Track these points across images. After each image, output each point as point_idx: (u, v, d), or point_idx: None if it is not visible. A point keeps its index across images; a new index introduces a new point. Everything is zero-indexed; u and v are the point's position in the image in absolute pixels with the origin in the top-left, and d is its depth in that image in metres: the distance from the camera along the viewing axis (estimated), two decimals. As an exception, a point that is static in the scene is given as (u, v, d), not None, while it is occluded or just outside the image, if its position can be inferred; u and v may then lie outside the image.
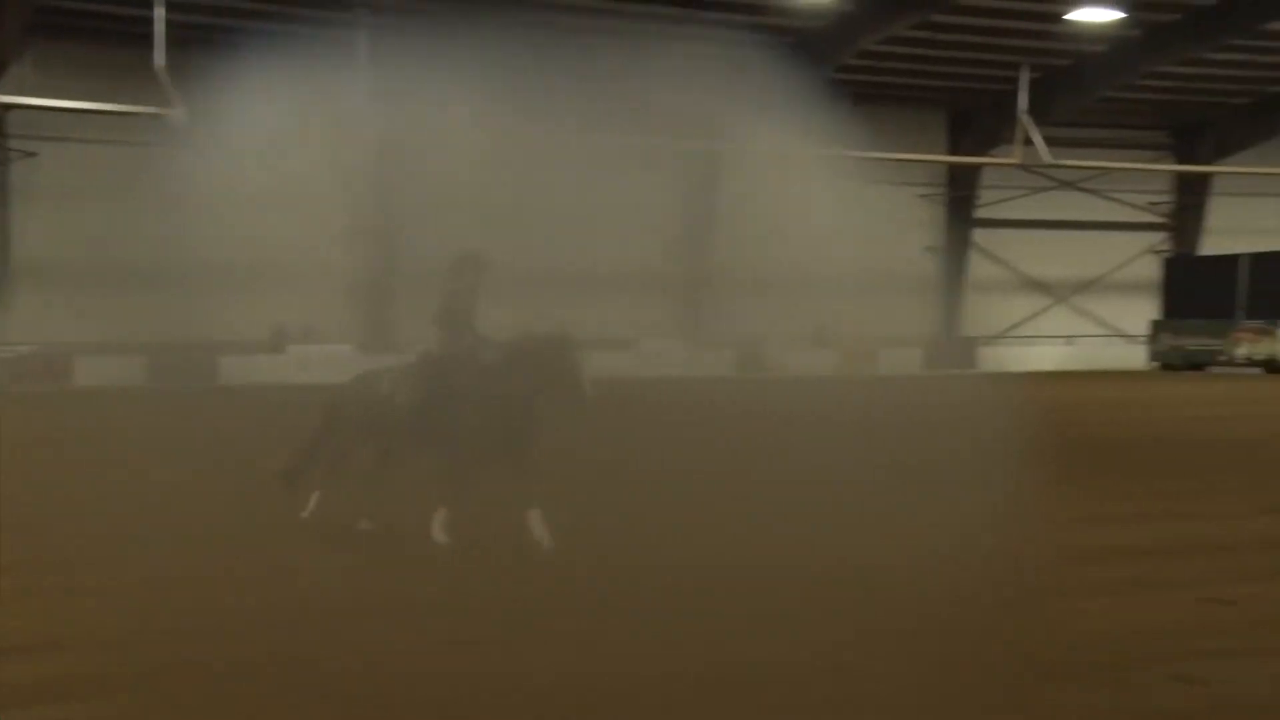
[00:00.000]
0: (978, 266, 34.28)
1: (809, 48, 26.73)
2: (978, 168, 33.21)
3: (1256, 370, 30.89)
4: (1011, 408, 13.23)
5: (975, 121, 32.92)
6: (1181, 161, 34.83)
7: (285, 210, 24.02)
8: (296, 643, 5.47)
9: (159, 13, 23.60)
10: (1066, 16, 26.89)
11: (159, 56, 23.72)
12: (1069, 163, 31.50)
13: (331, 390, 8.25)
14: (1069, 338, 34.26)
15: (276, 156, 24.26)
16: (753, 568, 6.60)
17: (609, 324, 28.83)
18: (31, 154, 26.08)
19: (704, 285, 30.26)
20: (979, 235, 34.27)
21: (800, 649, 5.32)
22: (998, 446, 8.61)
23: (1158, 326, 33.71)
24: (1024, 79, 29.44)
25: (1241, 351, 31.88)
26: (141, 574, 6.60)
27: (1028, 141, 30.21)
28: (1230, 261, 32.66)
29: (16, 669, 5.13)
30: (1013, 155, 30.91)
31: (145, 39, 23.85)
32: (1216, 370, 31.41)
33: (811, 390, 19.78)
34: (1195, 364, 32.04)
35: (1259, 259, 32.03)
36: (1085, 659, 5.25)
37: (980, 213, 34.10)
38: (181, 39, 23.79)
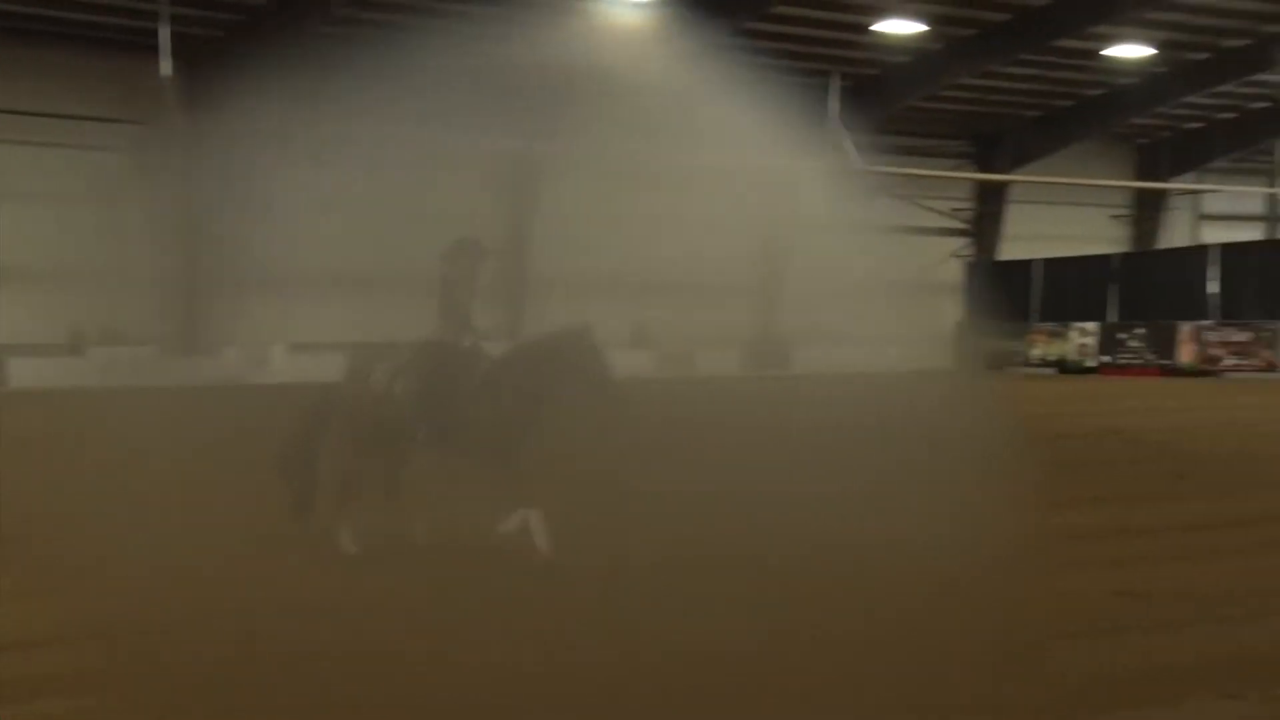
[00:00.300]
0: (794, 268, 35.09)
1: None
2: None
3: (1050, 370, 32.57)
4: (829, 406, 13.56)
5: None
6: (981, 170, 36.44)
7: (91, 211, 23.04)
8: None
9: None
10: (873, 28, 27.82)
11: None
12: (879, 169, 32.59)
13: (313, 398, 7.63)
14: (879, 339, 35.34)
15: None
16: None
17: (424, 327, 28.54)
18: None
19: (522, 287, 30.23)
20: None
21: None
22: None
23: (960, 328, 35.17)
24: (834, 87, 30.32)
25: (1036, 353, 33.61)
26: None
27: (840, 148, 31.12)
28: (1024, 267, 34.42)
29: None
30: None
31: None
32: (1013, 370, 32.97)
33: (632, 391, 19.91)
34: (995, 365, 33.56)
35: (1050, 264, 33.89)
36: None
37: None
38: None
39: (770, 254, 32.39)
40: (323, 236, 22.05)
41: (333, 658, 5.23)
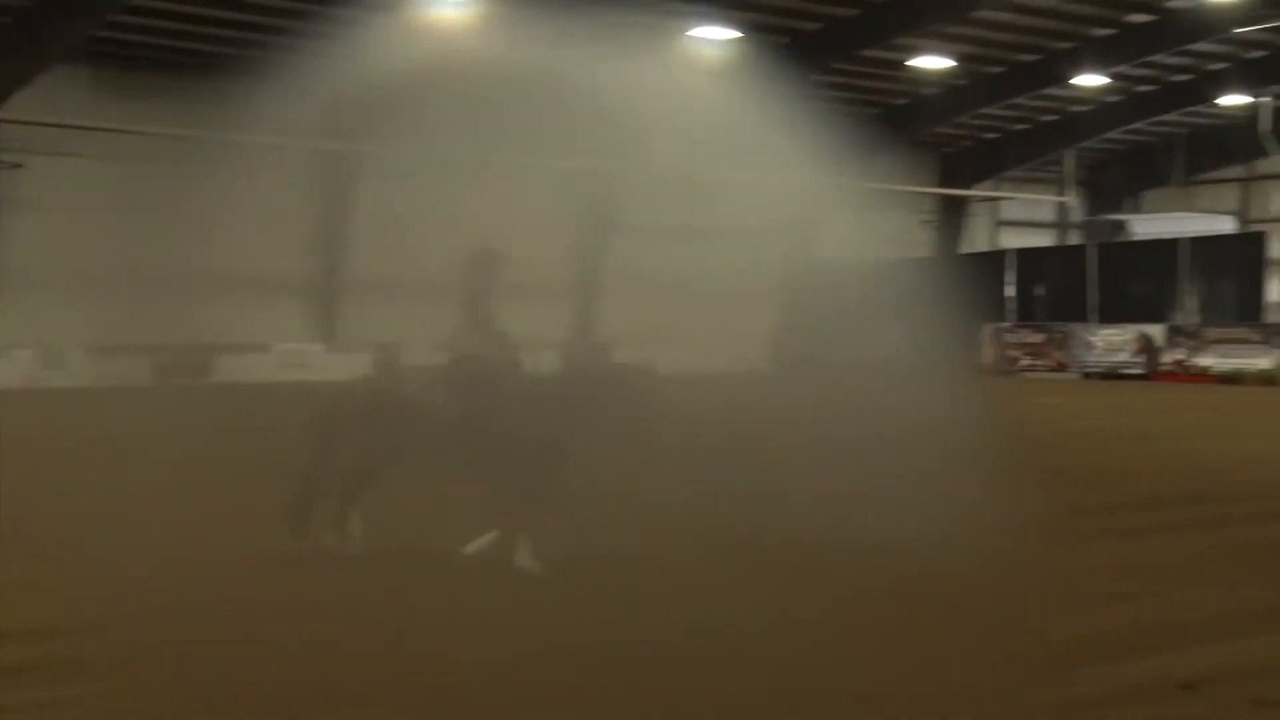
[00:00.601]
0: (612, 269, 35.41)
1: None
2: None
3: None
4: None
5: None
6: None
7: None
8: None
9: None
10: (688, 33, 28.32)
11: None
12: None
13: (329, 406, 7.34)
14: (697, 341, 35.98)
15: None
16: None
17: (243, 326, 27.86)
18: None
19: (342, 288, 29.79)
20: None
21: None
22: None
23: (776, 331, 36.11)
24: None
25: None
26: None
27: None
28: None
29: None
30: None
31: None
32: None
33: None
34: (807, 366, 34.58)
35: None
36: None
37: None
38: None
39: (585, 255, 32.63)
40: (129, 238, 21.39)
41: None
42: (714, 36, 28.47)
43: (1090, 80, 32.84)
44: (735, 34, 28.34)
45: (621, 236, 33.58)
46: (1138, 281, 32.74)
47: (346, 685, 5.00)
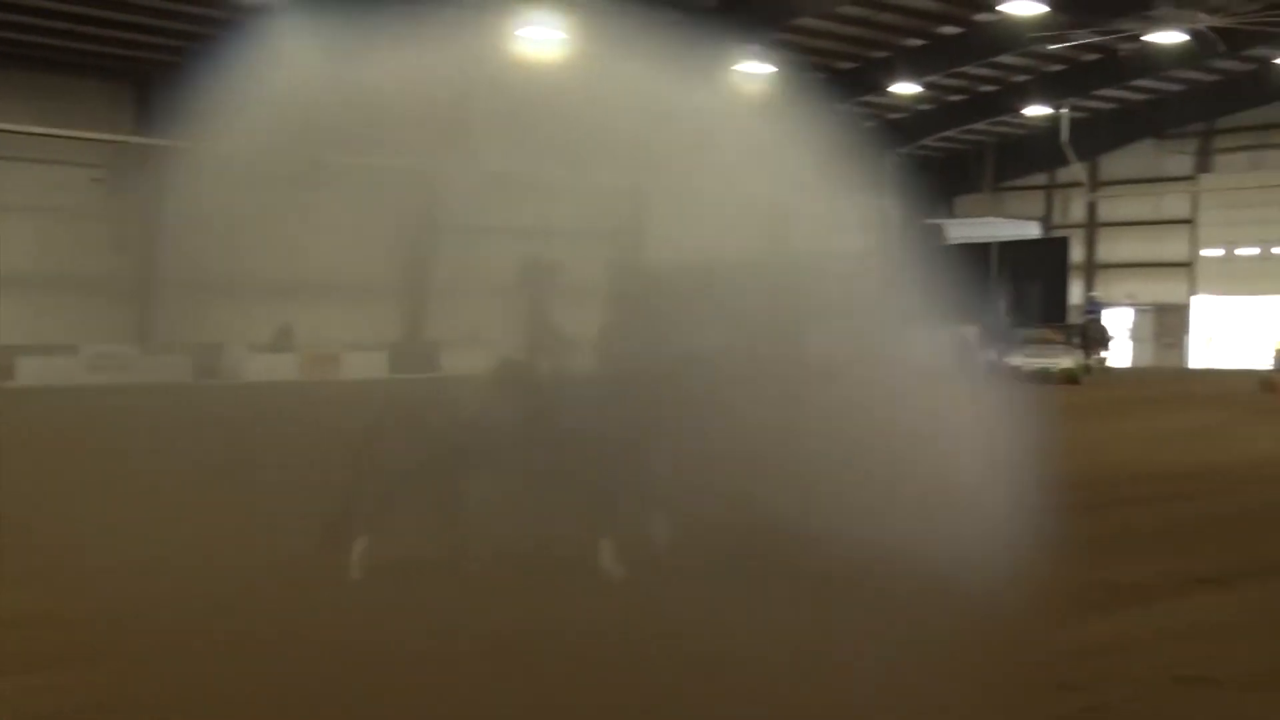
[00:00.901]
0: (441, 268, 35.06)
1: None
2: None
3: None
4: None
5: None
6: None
7: None
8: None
9: None
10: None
11: None
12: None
13: (378, 413, 7.17)
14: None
15: None
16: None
17: (47, 327, 26.65)
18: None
19: (155, 288, 28.71)
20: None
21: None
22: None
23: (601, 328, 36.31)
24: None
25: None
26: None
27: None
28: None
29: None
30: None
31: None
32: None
33: (269, 395, 19.54)
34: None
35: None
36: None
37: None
38: None
39: (413, 255, 32.24)
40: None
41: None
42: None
43: (905, 89, 34.05)
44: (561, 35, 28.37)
45: (447, 237, 33.28)
46: (952, 285, 33.91)
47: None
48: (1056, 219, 43.96)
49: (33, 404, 19.94)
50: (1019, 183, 44.47)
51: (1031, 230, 40.95)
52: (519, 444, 6.76)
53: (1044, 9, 27.05)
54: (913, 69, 32.59)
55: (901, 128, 38.18)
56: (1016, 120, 38.82)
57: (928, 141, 40.55)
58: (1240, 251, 40.55)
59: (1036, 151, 40.81)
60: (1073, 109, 37.28)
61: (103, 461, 9.76)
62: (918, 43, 31.58)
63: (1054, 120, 37.66)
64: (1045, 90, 35.83)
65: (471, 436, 6.84)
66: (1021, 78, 35.34)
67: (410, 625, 5.76)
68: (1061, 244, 35.13)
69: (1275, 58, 31.91)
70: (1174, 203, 41.93)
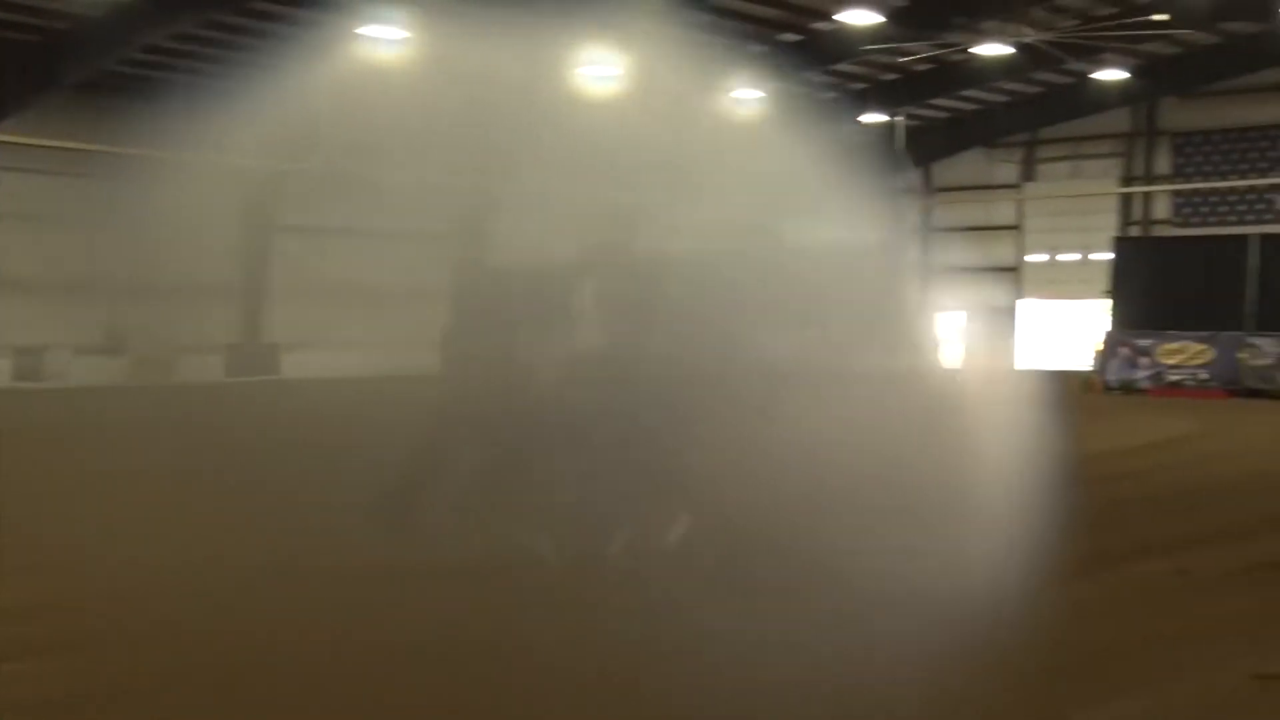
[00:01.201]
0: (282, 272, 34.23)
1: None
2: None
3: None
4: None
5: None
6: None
7: None
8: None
9: None
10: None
11: None
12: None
13: (444, 390, 7.10)
14: (367, 344, 35.29)
15: None
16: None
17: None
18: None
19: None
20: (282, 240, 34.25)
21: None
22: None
23: (445, 331, 35.91)
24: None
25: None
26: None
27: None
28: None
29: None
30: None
31: None
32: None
33: (96, 399, 18.95)
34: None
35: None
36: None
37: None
38: None
39: (249, 256, 31.51)
40: None
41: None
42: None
43: (749, 94, 34.57)
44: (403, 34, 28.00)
45: (286, 237, 32.60)
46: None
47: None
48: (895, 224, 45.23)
49: None
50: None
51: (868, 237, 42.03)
52: (599, 431, 6.58)
53: (880, 19, 27.90)
54: (755, 76, 33.13)
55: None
56: (855, 128, 39.84)
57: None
58: (1061, 257, 42.40)
59: (874, 159, 41.91)
60: (908, 117, 38.44)
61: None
62: (760, 49, 32.14)
63: (889, 128, 38.77)
64: (881, 98, 36.90)
65: (553, 422, 6.70)
66: (859, 86, 36.31)
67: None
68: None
69: (1092, 72, 33.48)
70: (1002, 210, 43.58)
